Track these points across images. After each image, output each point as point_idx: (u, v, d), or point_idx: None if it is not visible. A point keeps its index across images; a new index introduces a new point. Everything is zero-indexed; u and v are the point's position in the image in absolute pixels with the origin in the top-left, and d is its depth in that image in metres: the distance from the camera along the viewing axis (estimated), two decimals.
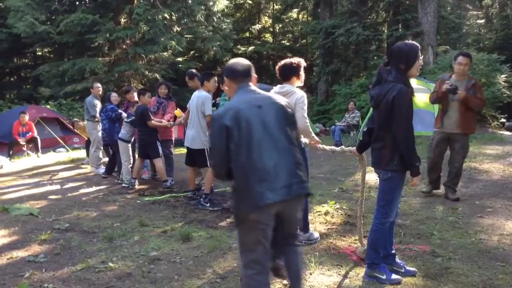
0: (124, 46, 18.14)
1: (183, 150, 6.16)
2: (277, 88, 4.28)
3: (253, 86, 2.87)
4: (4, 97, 21.05)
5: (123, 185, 7.28)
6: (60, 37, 17.22)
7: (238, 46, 25.45)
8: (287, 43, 28.72)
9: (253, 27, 26.94)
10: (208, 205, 5.79)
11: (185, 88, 12.80)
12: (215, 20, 20.64)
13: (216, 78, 6.21)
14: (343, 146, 4.42)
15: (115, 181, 7.76)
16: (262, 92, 2.84)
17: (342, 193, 6.42)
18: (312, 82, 21.41)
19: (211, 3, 19.61)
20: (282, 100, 2.82)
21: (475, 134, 12.91)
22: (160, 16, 17.26)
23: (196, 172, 6.36)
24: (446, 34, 22.69)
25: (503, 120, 15.68)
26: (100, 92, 8.97)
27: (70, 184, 7.64)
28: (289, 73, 4.24)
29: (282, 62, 4.32)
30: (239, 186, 2.61)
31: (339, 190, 6.54)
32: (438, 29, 18.63)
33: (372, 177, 6.26)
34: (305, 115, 4.10)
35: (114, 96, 8.26)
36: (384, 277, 3.37)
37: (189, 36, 20.35)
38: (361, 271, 3.58)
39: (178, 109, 7.47)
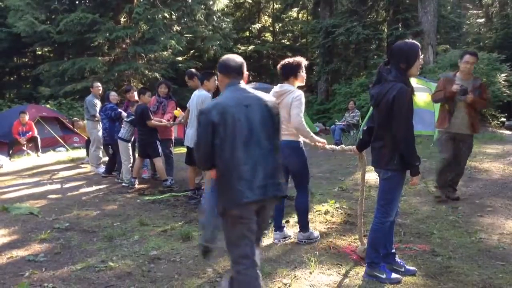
0: (124, 46, 18.12)
1: (183, 150, 6.16)
2: (276, 87, 4.27)
3: (243, 84, 2.91)
4: (4, 96, 21.05)
5: (123, 184, 7.28)
6: (60, 37, 17.21)
7: (238, 45, 25.42)
8: (287, 42, 28.70)
9: (253, 26, 26.91)
10: None
11: (185, 87, 12.79)
12: (215, 19, 20.62)
13: (216, 77, 6.20)
14: (343, 145, 4.42)
15: (115, 180, 7.76)
16: (251, 91, 2.87)
17: (342, 192, 6.42)
18: (312, 81, 21.40)
19: (211, 2, 19.59)
20: (270, 101, 2.87)
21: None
22: (160, 15, 17.25)
23: (196, 171, 6.35)
24: (446, 33, 22.70)
25: (503, 119, 15.68)
26: (100, 92, 8.97)
27: (70, 184, 7.64)
28: (288, 72, 4.24)
29: (283, 61, 4.31)
30: (221, 181, 2.70)
31: (339, 189, 6.54)
32: (438, 28, 18.63)
33: (372, 176, 6.26)
34: (299, 113, 4.05)
35: (113, 95, 8.26)
36: (384, 276, 3.37)
37: (189, 35, 20.33)
38: (361, 270, 3.58)
39: (178, 108, 7.47)
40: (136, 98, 7.64)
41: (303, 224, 4.32)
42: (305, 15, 28.09)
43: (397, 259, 3.61)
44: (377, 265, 3.41)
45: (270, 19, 29.02)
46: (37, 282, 3.52)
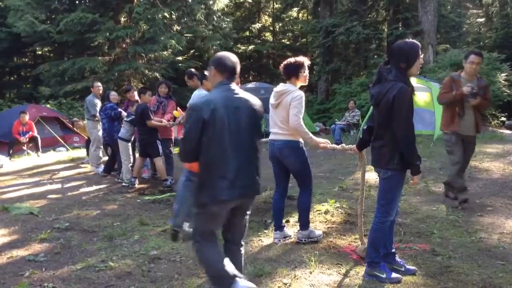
0: (124, 45, 18.11)
1: None
2: (277, 87, 4.27)
3: (234, 85, 2.94)
4: (4, 96, 21.05)
5: (123, 184, 7.28)
6: (60, 36, 17.20)
7: (238, 45, 25.44)
8: (287, 42, 28.71)
9: (253, 26, 26.92)
10: None
11: (185, 87, 12.79)
12: (215, 19, 20.62)
13: None
14: (343, 144, 4.41)
15: (115, 180, 7.76)
16: (240, 92, 2.93)
17: (342, 192, 6.41)
18: (312, 81, 21.39)
19: (211, 2, 19.59)
20: (257, 105, 2.96)
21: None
22: (160, 15, 17.24)
23: None
24: (446, 33, 22.71)
25: (503, 118, 15.69)
26: (101, 91, 8.97)
27: (70, 183, 7.65)
28: (290, 72, 4.23)
29: (285, 61, 4.30)
30: (203, 177, 2.79)
31: (339, 189, 6.54)
32: (438, 28, 18.63)
33: (372, 176, 6.26)
34: (297, 113, 4.03)
35: (113, 95, 8.26)
36: (384, 275, 3.37)
37: (189, 35, 20.33)
38: (361, 270, 3.58)
39: (178, 108, 7.46)
40: (137, 97, 7.64)
41: (303, 223, 4.32)
42: (305, 15, 28.10)
43: (397, 258, 3.61)
44: (377, 265, 3.40)
45: (270, 19, 29.03)
46: (37, 282, 3.52)
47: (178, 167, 7.91)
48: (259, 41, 27.49)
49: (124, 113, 7.67)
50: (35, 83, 20.27)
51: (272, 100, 4.29)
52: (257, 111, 2.94)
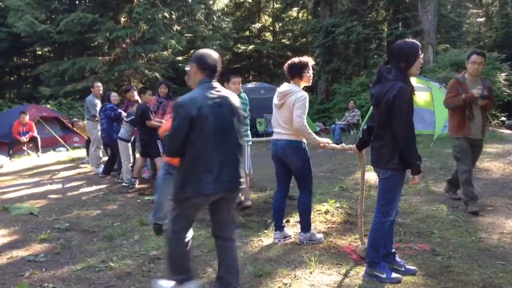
0: (124, 45, 18.11)
1: None
2: (281, 87, 4.26)
3: (216, 83, 3.02)
4: (4, 96, 21.05)
5: (123, 184, 7.28)
6: (60, 36, 17.20)
7: (238, 45, 25.43)
8: (287, 42, 28.70)
9: (253, 26, 26.91)
10: None
11: (185, 87, 12.78)
12: (215, 19, 20.61)
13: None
14: (343, 144, 4.41)
15: (115, 180, 7.77)
16: (222, 90, 3.04)
17: (342, 192, 6.41)
18: (312, 81, 21.34)
19: (211, 2, 19.59)
20: (237, 102, 3.09)
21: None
22: (160, 15, 17.24)
23: None
24: (446, 33, 22.70)
25: (503, 118, 15.70)
26: (101, 92, 8.98)
27: (70, 184, 7.65)
28: (294, 72, 4.23)
29: (289, 61, 4.28)
30: (187, 171, 2.89)
31: (339, 189, 6.54)
32: (438, 28, 18.62)
33: (373, 176, 6.26)
34: (301, 114, 4.05)
35: (114, 96, 8.26)
36: (384, 276, 3.37)
37: (189, 35, 20.32)
38: (361, 270, 3.58)
39: None
40: (136, 97, 7.64)
41: (305, 225, 4.31)
42: (305, 15, 28.09)
43: (397, 258, 3.61)
44: (377, 265, 3.40)
45: (270, 19, 29.02)
46: (37, 282, 3.52)
47: None
48: (259, 41, 27.48)
49: (124, 114, 7.67)
50: (35, 83, 20.28)
51: (275, 100, 4.29)
52: (238, 109, 3.07)
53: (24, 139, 11.11)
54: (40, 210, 5.70)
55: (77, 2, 18.90)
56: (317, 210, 5.34)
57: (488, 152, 8.79)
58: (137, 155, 7.66)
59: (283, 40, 28.87)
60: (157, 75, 18.09)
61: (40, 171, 9.03)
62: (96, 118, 8.56)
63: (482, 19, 24.99)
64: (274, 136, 4.35)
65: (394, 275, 3.41)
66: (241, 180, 3.08)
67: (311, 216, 4.48)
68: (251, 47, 25.96)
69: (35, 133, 11.35)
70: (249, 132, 5.96)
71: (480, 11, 25.43)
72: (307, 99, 4.14)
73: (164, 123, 7.10)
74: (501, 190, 6.13)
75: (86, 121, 9.08)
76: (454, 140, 5.33)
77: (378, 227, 3.43)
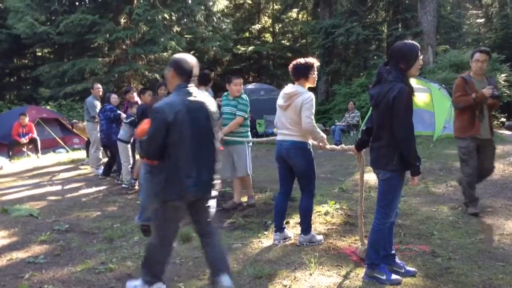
0: (124, 47, 18.14)
1: None
2: (286, 88, 4.25)
3: (192, 87, 3.07)
4: (4, 97, 21.06)
5: (123, 185, 7.27)
6: (60, 38, 17.22)
7: (238, 46, 25.44)
8: (287, 43, 28.70)
9: (253, 27, 26.92)
10: None
11: None
12: (215, 20, 20.63)
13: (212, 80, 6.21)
14: (343, 145, 4.41)
15: (115, 181, 7.76)
16: (199, 95, 3.09)
17: (342, 193, 6.42)
18: None
19: (210, 3, 19.61)
20: (212, 107, 3.15)
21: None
22: (160, 17, 17.26)
23: None
24: (446, 34, 22.71)
25: (503, 119, 15.69)
26: (100, 93, 8.98)
27: (70, 185, 7.64)
28: (299, 73, 4.22)
29: (295, 61, 4.27)
30: (168, 174, 2.98)
31: (339, 190, 6.54)
32: (437, 29, 18.63)
33: (372, 177, 6.25)
34: (310, 115, 4.08)
35: (114, 98, 8.26)
36: (384, 277, 3.36)
37: (189, 36, 20.35)
38: (361, 272, 3.58)
39: None
40: (136, 99, 7.63)
41: (306, 227, 4.31)
42: (305, 16, 28.09)
43: (397, 260, 3.61)
44: (377, 266, 3.40)
45: (270, 20, 29.03)
46: (37, 284, 3.51)
47: None
48: (259, 42, 27.48)
49: (123, 115, 7.67)
50: (35, 84, 20.28)
51: (280, 102, 4.27)
52: (213, 113, 3.14)
53: (24, 140, 11.10)
54: (40, 211, 5.70)
55: (77, 3, 18.93)
56: (317, 212, 5.34)
57: None
58: (137, 156, 7.65)
59: (283, 41, 28.87)
60: (157, 76, 18.10)
61: (40, 173, 9.02)
62: (96, 120, 8.56)
63: (482, 20, 25.00)
64: (279, 137, 4.34)
65: (394, 276, 3.41)
66: (217, 182, 3.18)
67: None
68: (251, 48, 25.96)
69: (35, 135, 11.35)
70: (249, 133, 5.97)
71: (479, 12, 25.44)
72: (314, 100, 4.17)
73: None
74: (501, 192, 6.13)
75: (86, 123, 9.08)
76: (459, 141, 5.19)
77: (379, 229, 3.43)
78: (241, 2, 27.19)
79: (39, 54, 23.45)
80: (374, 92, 3.36)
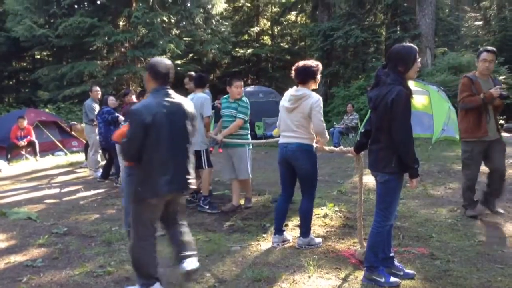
0: (122, 49, 18.16)
1: None
2: (292, 90, 4.24)
3: (170, 90, 3.19)
4: (2, 100, 21.08)
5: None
6: (58, 41, 17.23)
7: (236, 49, 25.46)
8: (286, 46, 28.74)
9: (252, 29, 26.97)
10: (207, 207, 5.78)
11: (183, 91, 12.77)
12: (214, 23, 20.66)
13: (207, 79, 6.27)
14: (342, 147, 4.42)
15: (113, 184, 7.75)
16: (177, 97, 3.21)
17: (341, 195, 6.41)
18: None
19: (209, 6, 19.65)
20: (189, 108, 3.28)
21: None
22: (158, 19, 17.29)
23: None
24: (444, 36, 22.75)
25: (501, 121, 15.71)
26: (99, 96, 8.98)
27: (69, 188, 7.63)
28: (308, 76, 4.23)
29: (300, 64, 4.27)
30: (144, 174, 3.09)
31: (337, 193, 6.54)
32: (436, 31, 18.67)
33: (371, 179, 6.23)
34: (321, 118, 4.14)
35: (111, 100, 8.24)
36: (383, 280, 3.36)
37: (187, 39, 20.37)
38: (359, 274, 3.57)
39: None
40: (135, 101, 7.62)
41: (305, 230, 4.30)
42: (304, 19, 28.15)
43: (396, 262, 3.60)
44: (376, 269, 3.40)
45: (269, 23, 29.08)
46: None
47: None
48: (258, 45, 27.50)
49: (121, 118, 7.66)
50: (34, 87, 20.29)
51: (287, 104, 4.24)
52: (190, 115, 3.26)
53: (22, 143, 11.09)
54: (38, 214, 5.68)
55: (76, 6, 18.94)
56: (316, 214, 5.32)
57: None
58: None
59: (281, 44, 28.91)
60: None
61: (39, 176, 9.01)
62: (95, 122, 8.55)
63: (480, 23, 25.06)
64: (283, 140, 4.31)
65: (392, 279, 3.40)
66: (191, 182, 3.30)
67: None
68: (249, 50, 25.98)
69: (33, 138, 11.33)
70: (249, 136, 5.98)
71: (478, 14, 25.50)
72: (322, 101, 4.24)
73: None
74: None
75: (85, 125, 9.08)
76: (464, 145, 5.10)
77: (378, 231, 3.42)
78: (240, 5, 27.24)
79: (38, 57, 23.45)
80: (372, 94, 3.36)
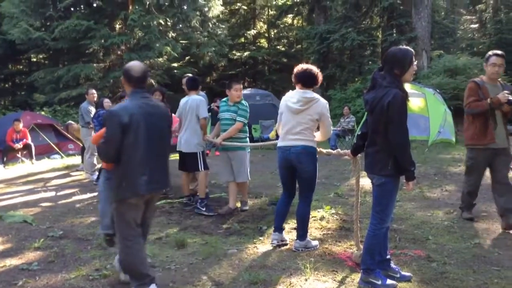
0: (119, 52, 18.13)
1: (177, 156, 6.15)
2: (300, 92, 4.22)
3: (146, 93, 3.32)
4: None
5: None
6: (55, 43, 17.20)
7: (233, 52, 25.49)
8: (282, 48, 28.79)
9: (248, 32, 27.01)
10: (204, 209, 5.77)
11: (181, 93, 12.78)
12: (210, 25, 20.69)
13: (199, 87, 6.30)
14: (339, 149, 4.42)
15: None
16: (153, 100, 3.37)
17: (338, 198, 6.42)
18: None
19: (206, 9, 19.67)
20: (166, 111, 3.39)
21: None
22: (155, 22, 17.29)
23: (190, 177, 6.35)
24: (440, 39, 22.85)
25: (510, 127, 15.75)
26: (95, 98, 8.96)
27: (65, 191, 7.60)
28: (311, 81, 4.27)
29: (304, 67, 4.29)
30: (123, 174, 3.15)
31: (334, 195, 6.54)
32: (432, 34, 18.76)
33: (368, 182, 6.22)
34: (331, 122, 4.29)
35: (107, 102, 8.22)
36: (379, 282, 3.36)
37: (184, 41, 20.38)
38: (356, 277, 3.57)
39: (173, 126, 7.27)
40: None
41: (302, 233, 4.30)
42: (300, 21, 28.22)
43: (392, 265, 3.60)
44: (372, 271, 3.40)
45: (265, 25, 29.15)
46: None
47: (173, 173, 7.89)
48: (254, 48, 27.56)
49: None
50: (30, 90, 20.22)
51: (295, 105, 4.20)
52: (167, 117, 3.38)
53: (18, 146, 11.05)
54: (34, 218, 5.65)
55: (72, 9, 18.91)
56: (313, 217, 5.32)
57: None
58: None
59: (278, 47, 28.96)
60: (152, 81, 18.09)
61: (34, 179, 8.97)
62: (91, 125, 8.53)
63: (476, 26, 25.16)
64: (286, 143, 4.24)
65: (389, 281, 3.40)
66: (168, 182, 3.44)
67: None
68: (246, 53, 26.02)
69: (29, 141, 11.29)
70: (248, 139, 5.98)
71: (473, 17, 25.61)
72: None
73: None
74: None
75: (81, 128, 9.05)
76: (469, 151, 4.97)
77: (374, 234, 3.42)
78: (237, 7, 27.29)
79: (34, 59, 23.40)
80: (369, 97, 3.37)
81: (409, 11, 17.56)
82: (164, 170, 3.35)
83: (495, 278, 3.53)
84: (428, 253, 4.07)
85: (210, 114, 6.52)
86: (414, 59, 3.32)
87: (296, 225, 4.43)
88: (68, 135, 12.72)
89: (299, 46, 28.23)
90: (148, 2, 17.51)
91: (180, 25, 19.64)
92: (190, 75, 6.88)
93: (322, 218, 5.30)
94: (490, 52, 4.87)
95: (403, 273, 3.56)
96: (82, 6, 19.24)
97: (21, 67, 24.23)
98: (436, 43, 22.21)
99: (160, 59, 18.64)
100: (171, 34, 19.24)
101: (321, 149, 4.33)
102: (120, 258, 3.34)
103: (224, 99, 5.92)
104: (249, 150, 5.96)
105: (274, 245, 4.38)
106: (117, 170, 3.21)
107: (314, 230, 4.89)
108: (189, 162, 5.93)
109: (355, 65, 19.54)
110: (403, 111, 3.19)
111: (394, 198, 3.43)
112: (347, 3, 19.45)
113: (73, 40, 17.02)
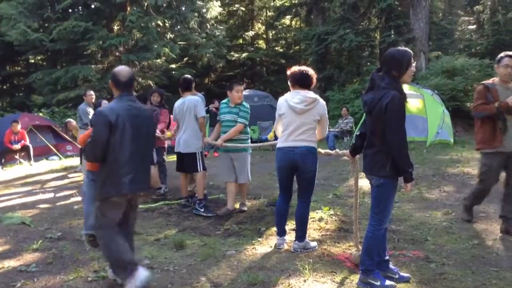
0: (117, 53, 18.14)
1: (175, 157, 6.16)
2: (303, 93, 4.22)
3: (133, 96, 3.45)
4: None
5: None
6: (53, 45, 17.19)
7: (231, 53, 25.52)
8: (280, 50, 28.84)
9: (246, 33, 27.04)
10: (203, 210, 5.76)
11: (179, 95, 12.78)
12: (209, 27, 20.72)
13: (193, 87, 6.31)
14: (337, 150, 4.43)
15: None
16: (139, 103, 3.45)
17: (336, 199, 6.42)
18: None
19: (204, 10, 19.69)
20: (150, 114, 3.53)
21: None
22: (153, 23, 17.30)
23: (188, 178, 6.34)
24: (438, 40, 22.91)
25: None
26: (93, 100, 8.95)
27: (63, 193, 7.59)
28: (309, 82, 4.30)
29: (301, 69, 4.31)
30: (108, 173, 3.25)
31: (333, 196, 6.54)
32: (430, 35, 18.79)
33: (367, 183, 6.23)
34: (328, 122, 4.34)
35: (105, 103, 8.22)
36: (378, 283, 3.36)
37: (182, 43, 20.39)
38: (355, 278, 3.57)
39: (172, 130, 7.26)
40: None
41: (301, 234, 4.30)
42: (298, 23, 28.25)
43: (391, 266, 3.60)
44: (371, 272, 3.40)
45: (263, 27, 29.18)
46: None
47: (172, 175, 7.89)
48: (252, 49, 27.59)
49: None
50: (28, 91, 20.22)
51: (299, 105, 4.17)
52: (151, 119, 3.51)
53: (16, 147, 11.03)
54: (32, 219, 5.64)
55: (70, 10, 18.91)
56: (311, 218, 5.32)
57: None
58: None
59: (276, 48, 29.01)
60: (151, 83, 18.10)
61: (32, 180, 8.96)
62: (89, 127, 8.51)
63: (474, 27, 25.23)
64: (290, 143, 4.19)
65: (388, 282, 3.40)
66: (150, 183, 3.61)
67: None
68: (244, 54, 26.04)
69: (27, 142, 11.28)
70: (249, 140, 5.98)
71: (471, 18, 25.67)
72: None
73: (157, 134, 7.09)
74: (494, 197, 6.12)
75: (79, 129, 9.04)
76: (483, 157, 4.80)
77: (373, 235, 3.42)
78: (235, 9, 27.32)
79: (32, 61, 23.37)
80: (367, 98, 3.37)
81: (407, 12, 17.60)
82: (147, 172, 3.48)
83: (494, 279, 3.53)
84: (426, 254, 4.08)
85: (208, 115, 6.52)
86: (412, 60, 3.32)
87: (294, 226, 4.43)
88: (66, 136, 12.69)
89: (297, 47, 28.27)
90: (146, 4, 17.53)
91: (178, 26, 19.66)
92: (188, 76, 6.86)
93: (320, 219, 5.30)
94: (502, 54, 4.70)
95: (401, 274, 3.56)
96: (80, 7, 19.26)
97: (19, 68, 24.21)
98: (434, 44, 22.27)
99: (158, 60, 18.66)
100: (169, 35, 19.25)
101: (320, 150, 4.33)
102: (103, 253, 3.39)
103: (225, 100, 5.90)
104: (250, 151, 5.96)
105: (281, 249, 4.36)
106: (102, 169, 3.30)
107: (312, 231, 4.89)
108: (187, 163, 5.92)
109: (353, 66, 19.57)
110: (401, 113, 3.20)
111: (392, 199, 3.43)
112: (345, 4, 19.47)
113: (71, 41, 17.03)
